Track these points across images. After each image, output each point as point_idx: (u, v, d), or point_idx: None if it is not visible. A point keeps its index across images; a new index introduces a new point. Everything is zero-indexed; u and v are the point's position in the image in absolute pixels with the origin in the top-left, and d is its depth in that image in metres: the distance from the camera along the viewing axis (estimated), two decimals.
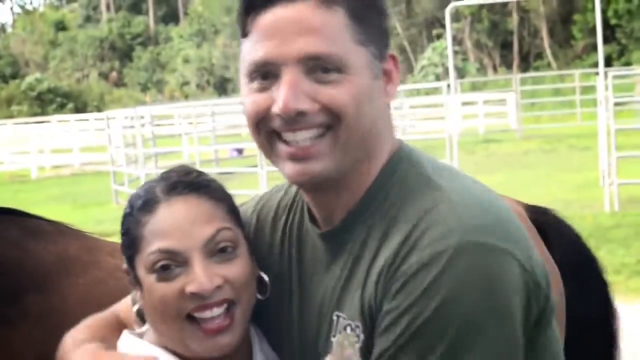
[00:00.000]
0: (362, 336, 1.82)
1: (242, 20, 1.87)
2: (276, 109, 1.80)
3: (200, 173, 2.01)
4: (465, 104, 31.93)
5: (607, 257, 10.17)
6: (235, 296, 1.90)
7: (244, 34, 1.87)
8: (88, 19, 79.63)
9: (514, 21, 53.60)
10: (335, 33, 1.80)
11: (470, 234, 1.72)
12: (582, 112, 31.81)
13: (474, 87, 40.51)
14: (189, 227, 1.89)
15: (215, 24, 65.83)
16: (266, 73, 1.83)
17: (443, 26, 38.75)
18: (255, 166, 16.60)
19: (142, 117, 22.77)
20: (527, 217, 3.30)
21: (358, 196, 1.91)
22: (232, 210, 1.99)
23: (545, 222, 3.46)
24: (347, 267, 1.89)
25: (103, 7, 79.00)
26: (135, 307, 2.03)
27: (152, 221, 1.90)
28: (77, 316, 2.84)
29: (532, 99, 35.00)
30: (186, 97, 57.75)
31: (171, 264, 1.87)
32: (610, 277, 9.96)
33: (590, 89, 27.31)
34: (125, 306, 2.21)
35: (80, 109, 55.75)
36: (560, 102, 34.40)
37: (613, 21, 44.62)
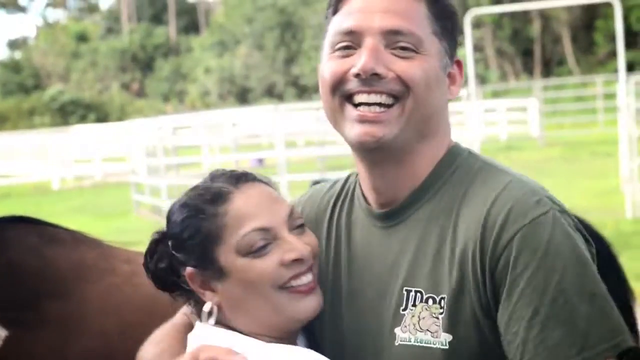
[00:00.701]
0: (447, 306, 1.97)
1: (335, 0, 2.11)
2: (355, 69, 2.00)
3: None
4: (487, 111, 31.85)
5: (628, 263, 10.05)
6: (315, 261, 2.11)
7: (335, 11, 2.10)
8: (109, 30, 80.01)
9: (535, 28, 53.45)
10: (416, 17, 2.03)
11: (557, 205, 1.97)
12: (605, 118, 31.69)
13: (496, 94, 40.41)
14: (271, 206, 2.08)
15: (237, 34, 65.96)
16: (349, 44, 2.04)
17: (464, 33, 38.67)
18: (276, 175, 16.57)
19: (161, 128, 22.82)
20: None
21: (418, 179, 2.09)
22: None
23: None
24: (411, 244, 2.06)
25: (124, 18, 79.31)
26: (208, 306, 2.10)
27: (231, 208, 2.05)
28: (95, 322, 3.08)
29: (554, 106, 34.89)
30: (207, 107, 57.86)
31: (265, 242, 2.03)
32: (631, 283, 9.82)
33: (613, 96, 27.19)
34: (185, 318, 2.29)
35: (102, 120, 55.94)
36: (582, 108, 34.29)
37: (636, 27, 44.43)
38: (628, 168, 14.47)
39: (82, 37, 76.37)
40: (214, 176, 2.14)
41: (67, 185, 30.61)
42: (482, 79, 42.24)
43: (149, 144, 22.29)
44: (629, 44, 35.50)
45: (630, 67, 35.35)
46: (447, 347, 1.96)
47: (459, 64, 2.13)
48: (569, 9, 48.37)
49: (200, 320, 2.12)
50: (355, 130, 2.02)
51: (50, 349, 3.13)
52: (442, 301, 1.97)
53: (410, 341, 2.00)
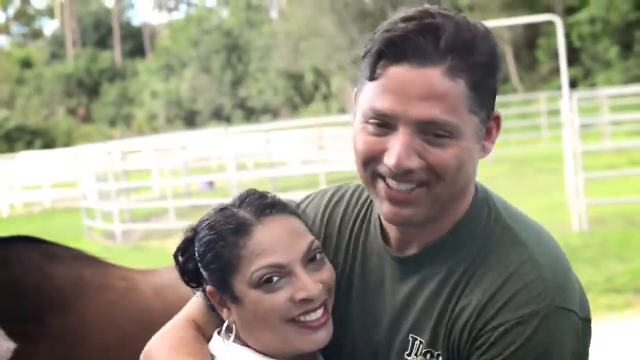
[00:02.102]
0: None
1: (371, 63, 1.99)
2: (389, 161, 1.97)
3: (270, 194, 2.22)
4: None
5: (577, 275, 10.33)
6: (329, 296, 2.16)
7: (372, 77, 1.99)
8: (54, 55, 79.45)
9: None
10: (454, 103, 1.94)
11: (556, 299, 1.97)
12: (549, 135, 32.11)
13: None
14: (289, 243, 2.11)
15: (182, 57, 65.89)
16: (384, 122, 1.98)
17: None
18: (228, 197, 16.64)
19: (110, 153, 22.82)
20: None
21: (440, 231, 2.11)
22: (304, 221, 2.22)
23: None
24: (423, 294, 2.11)
25: (69, 44, 78.88)
26: (225, 325, 2.18)
27: (250, 243, 2.10)
28: (94, 335, 3.34)
29: None
30: (155, 131, 57.68)
31: (276, 276, 2.08)
32: None
33: (556, 112, 27.55)
34: (197, 310, 2.31)
35: (49, 145, 55.44)
36: (526, 125, 34.72)
37: (577, 44, 45.08)
38: (574, 183, 14.75)
39: (26, 63, 75.82)
40: (243, 200, 2.18)
41: (16, 212, 30.41)
42: None
43: (99, 169, 22.30)
44: (571, 61, 36.06)
45: (573, 84, 35.94)
46: None
47: (497, 118, 2.08)
48: (512, 27, 48.98)
49: (220, 328, 2.20)
50: (386, 208, 2.04)
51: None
52: (439, 357, 2.06)
53: None
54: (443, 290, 2.07)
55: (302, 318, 2.10)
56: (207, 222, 2.18)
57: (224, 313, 2.18)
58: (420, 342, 2.09)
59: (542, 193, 17.86)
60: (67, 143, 54.59)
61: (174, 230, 19.27)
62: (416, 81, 1.93)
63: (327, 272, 2.15)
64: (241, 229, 2.11)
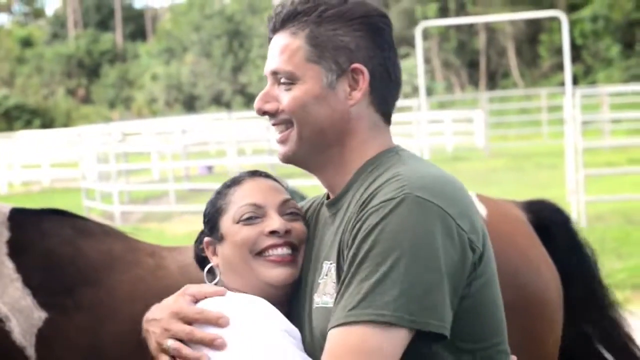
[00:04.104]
0: (336, 271, 2.32)
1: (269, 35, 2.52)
2: (258, 112, 2.49)
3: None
4: (433, 122, 32.20)
5: None
6: (298, 244, 2.51)
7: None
8: (55, 35, 79.35)
9: (481, 40, 54.09)
10: (291, 54, 2.42)
11: (415, 191, 2.18)
12: (549, 130, 32.21)
13: (442, 106, 40.85)
14: (269, 192, 2.55)
15: (184, 41, 65.86)
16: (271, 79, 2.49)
17: (410, 45, 39.01)
18: None
19: (111, 134, 22.87)
20: (524, 217, 4.12)
21: (349, 174, 2.42)
22: (288, 192, 2.63)
23: (543, 215, 4.25)
24: (334, 226, 2.42)
25: (70, 24, 78.78)
26: (208, 266, 2.58)
27: (240, 189, 2.55)
28: (125, 308, 3.40)
29: (499, 117, 35.39)
30: (154, 114, 57.71)
31: (254, 215, 2.49)
32: None
33: (557, 108, 27.63)
34: None
35: (48, 125, 55.45)
36: (526, 120, 34.81)
37: (579, 41, 45.16)
38: (574, 179, 14.83)
39: (27, 42, 75.72)
40: (243, 172, 2.64)
41: (15, 191, 30.46)
42: (428, 90, 42.68)
43: (100, 150, 22.36)
44: (572, 58, 36.01)
45: (574, 81, 35.97)
46: None
47: (361, 71, 2.40)
48: (514, 23, 49.04)
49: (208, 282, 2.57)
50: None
51: (85, 332, 3.47)
52: (332, 267, 2.34)
53: (319, 304, 2.36)
54: (344, 217, 2.36)
55: (269, 252, 2.46)
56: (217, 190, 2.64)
57: (214, 260, 2.56)
58: (331, 264, 2.36)
59: (541, 188, 17.90)
60: (66, 123, 54.66)
61: (173, 213, 19.35)
62: (275, 43, 2.45)
63: (300, 225, 2.53)
64: (234, 183, 2.57)
